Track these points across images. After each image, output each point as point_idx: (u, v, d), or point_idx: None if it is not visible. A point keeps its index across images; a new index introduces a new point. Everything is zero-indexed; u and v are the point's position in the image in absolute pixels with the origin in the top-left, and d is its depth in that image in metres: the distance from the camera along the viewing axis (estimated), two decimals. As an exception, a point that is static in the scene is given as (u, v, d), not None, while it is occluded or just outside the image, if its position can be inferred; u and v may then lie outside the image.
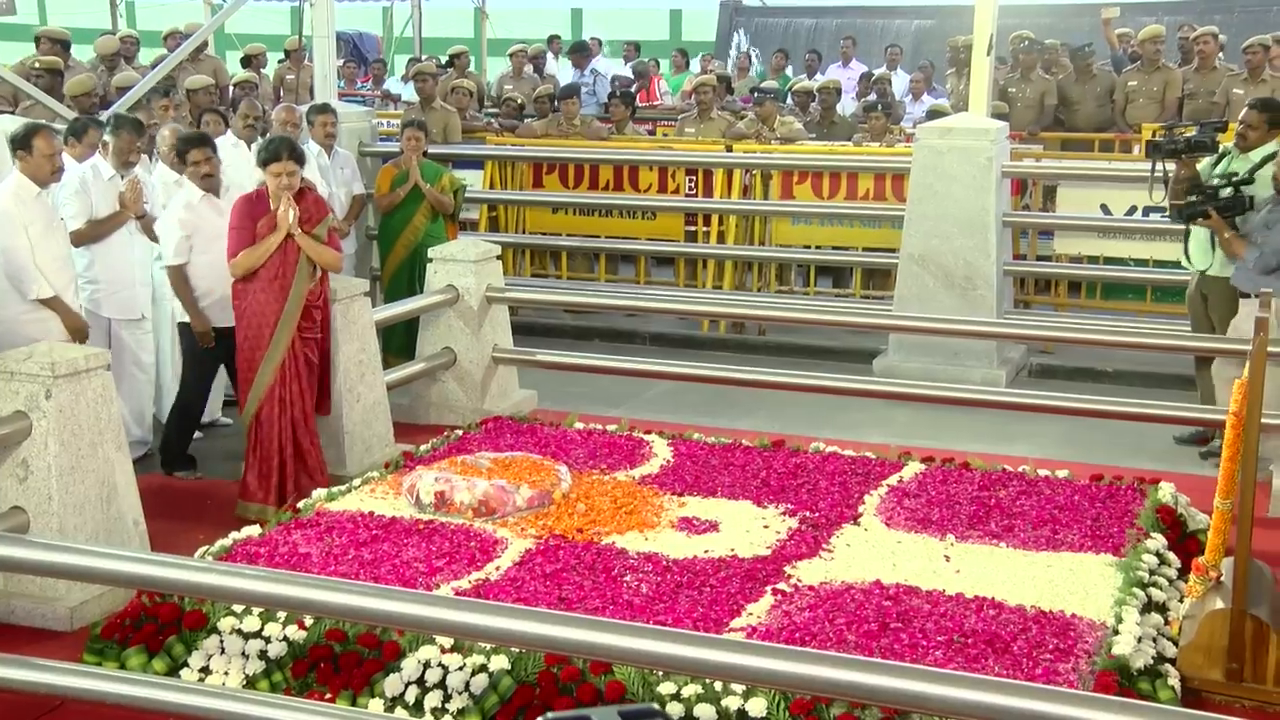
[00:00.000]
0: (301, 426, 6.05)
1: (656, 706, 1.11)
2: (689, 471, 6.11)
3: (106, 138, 6.78)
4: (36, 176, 5.96)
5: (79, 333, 6.07)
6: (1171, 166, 6.97)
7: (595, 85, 14.67)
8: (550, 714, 1.07)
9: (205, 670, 4.43)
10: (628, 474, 6.07)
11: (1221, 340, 6.70)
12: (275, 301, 5.93)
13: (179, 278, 6.35)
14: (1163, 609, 4.70)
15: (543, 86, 12.39)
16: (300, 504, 5.63)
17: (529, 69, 14.23)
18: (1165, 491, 5.72)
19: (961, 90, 11.82)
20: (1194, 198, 6.74)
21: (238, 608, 4.48)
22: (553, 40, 17.67)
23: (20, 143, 5.99)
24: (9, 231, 5.90)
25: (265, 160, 5.96)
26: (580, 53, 15.53)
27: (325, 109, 8.63)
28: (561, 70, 16.02)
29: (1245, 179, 6.72)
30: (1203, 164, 6.97)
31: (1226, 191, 6.69)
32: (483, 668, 4.18)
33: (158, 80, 9.44)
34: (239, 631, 4.46)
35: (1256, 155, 6.78)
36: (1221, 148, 7.04)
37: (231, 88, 10.61)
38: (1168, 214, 7.08)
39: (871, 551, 5.15)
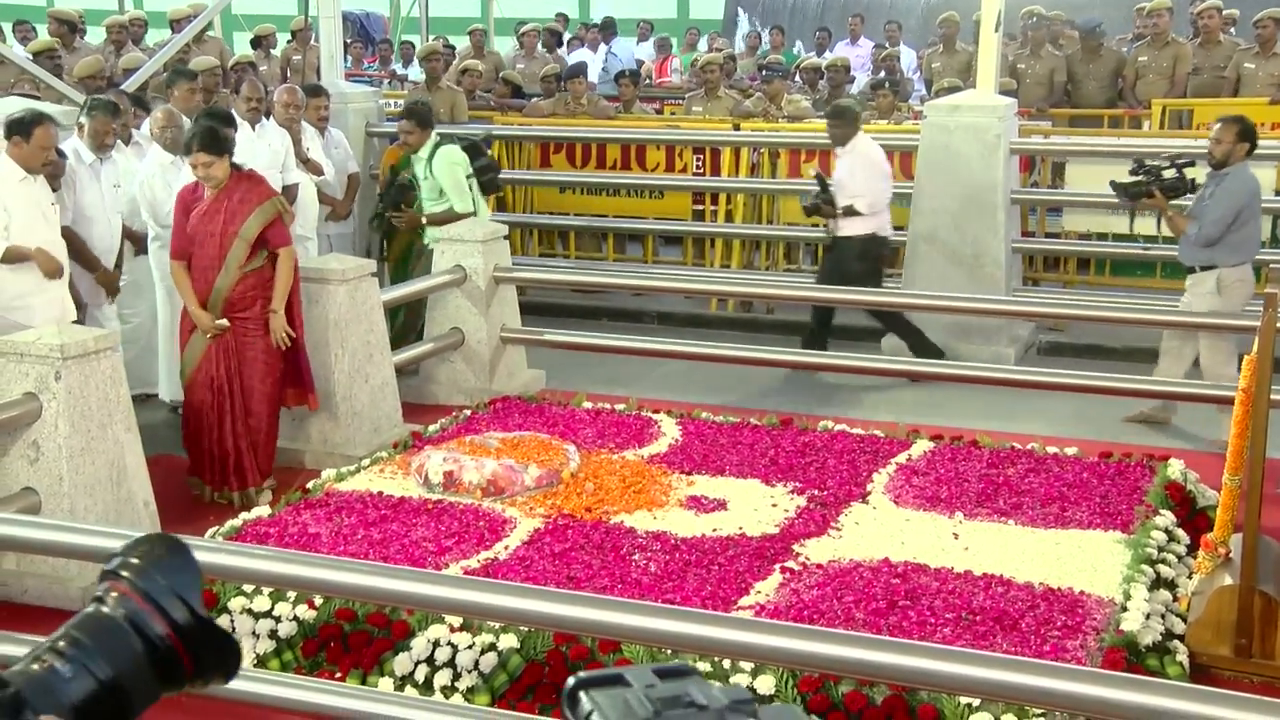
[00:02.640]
0: (241, 421, 5.85)
1: (690, 664, 1.10)
2: (697, 450, 6.11)
3: (82, 119, 6.74)
4: (27, 164, 5.89)
5: (54, 274, 5.99)
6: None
7: (609, 64, 14.74)
8: (582, 673, 1.07)
9: (216, 650, 4.45)
10: (636, 453, 6.08)
11: (1226, 316, 6.68)
12: (203, 292, 5.83)
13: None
14: (1171, 585, 4.70)
15: (549, 66, 12.35)
16: (310, 484, 5.65)
17: (540, 49, 14.20)
18: (1174, 468, 5.71)
19: (938, 69, 11.78)
20: (1140, 177, 6.91)
21: (248, 587, 4.50)
22: (559, 19, 17.60)
23: (19, 129, 5.88)
24: None
25: (184, 153, 5.91)
26: (608, 30, 15.74)
27: (318, 91, 8.55)
28: (575, 50, 16.02)
29: (1188, 161, 6.90)
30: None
31: (1170, 173, 6.85)
32: (492, 646, 4.19)
33: (164, 62, 9.42)
34: (249, 611, 4.48)
35: (425, 153, 7.50)
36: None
37: (230, 69, 10.58)
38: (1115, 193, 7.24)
39: (880, 529, 5.15)
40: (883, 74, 11.99)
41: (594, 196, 10.36)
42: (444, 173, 7.64)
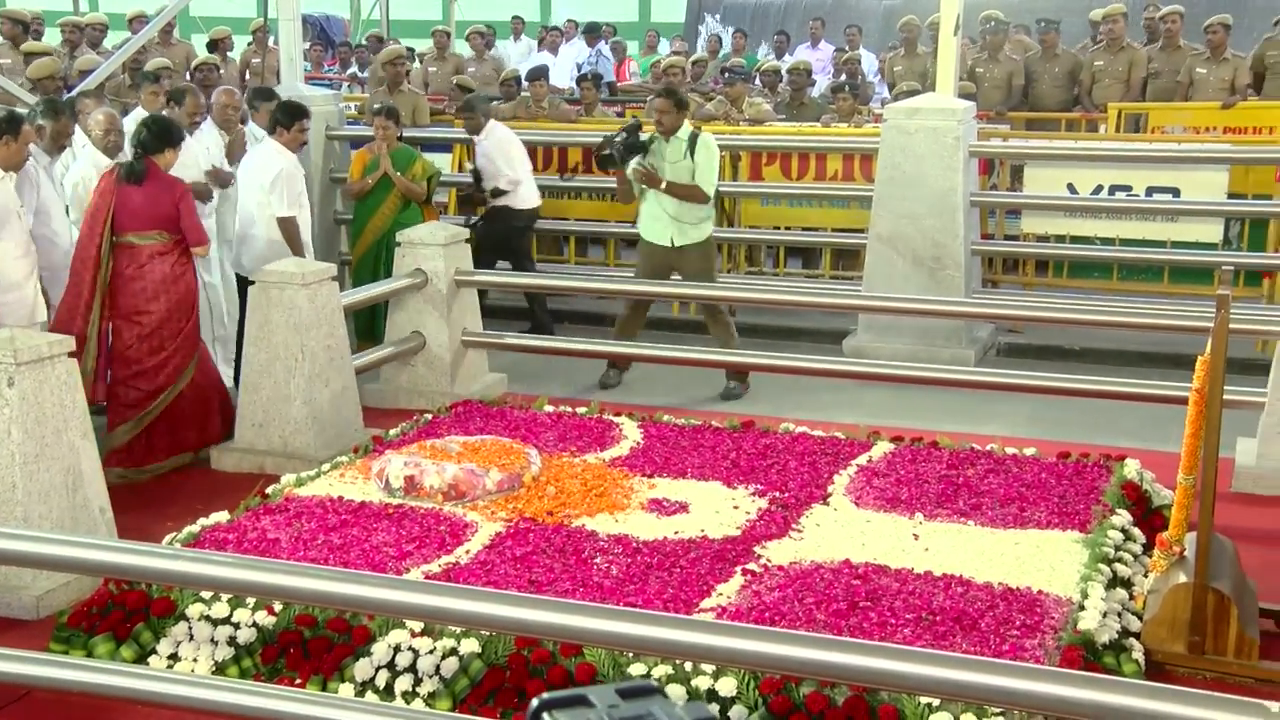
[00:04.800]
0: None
1: (655, 684, 1.09)
2: (659, 453, 6.12)
3: (42, 121, 6.72)
4: (11, 162, 5.91)
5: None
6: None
7: (598, 64, 14.80)
8: (546, 695, 1.06)
9: (174, 657, 4.41)
10: (597, 456, 6.08)
11: (1182, 317, 6.75)
12: None
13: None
14: (1128, 584, 4.75)
15: (509, 69, 12.33)
16: (269, 490, 5.61)
17: (490, 52, 14.20)
18: (1130, 468, 5.77)
19: (900, 72, 11.88)
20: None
21: (206, 594, 4.46)
22: (515, 21, 17.60)
23: (9, 128, 5.90)
24: None
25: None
26: (593, 33, 15.79)
27: (270, 96, 8.53)
28: (519, 52, 16.04)
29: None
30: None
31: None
32: (453, 651, 4.18)
33: (120, 63, 9.34)
34: (208, 618, 4.44)
35: (684, 135, 7.71)
36: (649, 137, 7.81)
37: (194, 71, 10.51)
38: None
39: (841, 531, 5.17)
40: (843, 77, 12.05)
41: (555, 199, 10.34)
42: (705, 158, 7.68)
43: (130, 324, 6.29)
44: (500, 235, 9.01)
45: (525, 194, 9.06)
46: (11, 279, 6.05)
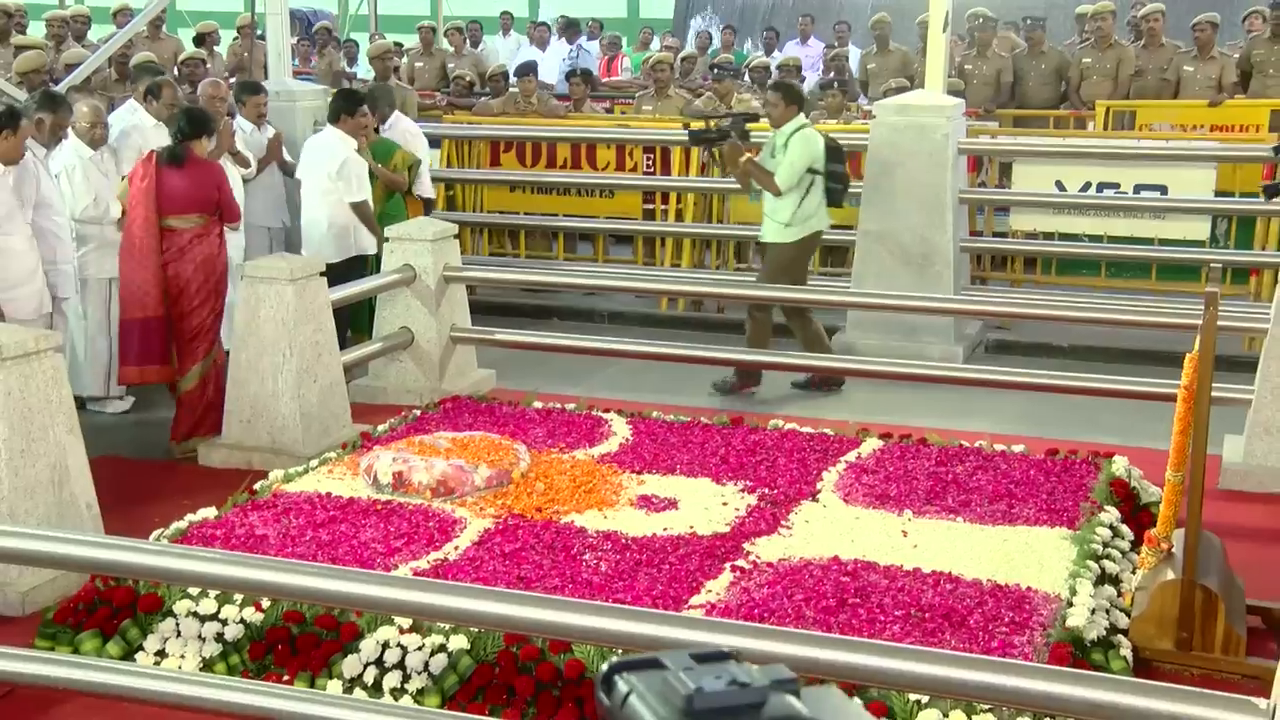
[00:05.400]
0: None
1: (726, 648, 1.09)
2: (648, 449, 6.11)
3: (40, 114, 6.73)
4: (10, 156, 5.98)
5: None
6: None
7: (580, 59, 14.75)
8: (616, 658, 1.06)
9: (161, 654, 4.39)
10: (586, 452, 6.07)
11: (1162, 314, 6.77)
12: None
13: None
14: (1116, 581, 4.76)
15: (497, 65, 12.31)
16: (257, 485, 5.59)
17: (469, 47, 14.17)
18: (1119, 465, 5.78)
19: (874, 69, 11.89)
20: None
21: (194, 590, 4.44)
22: (504, 16, 17.55)
23: (8, 121, 5.99)
24: None
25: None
26: (571, 29, 15.73)
27: (257, 89, 8.56)
28: (508, 47, 16.01)
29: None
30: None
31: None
32: (441, 648, 4.17)
33: (107, 57, 9.30)
34: (195, 614, 4.43)
35: (787, 129, 7.49)
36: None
37: (181, 65, 10.47)
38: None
39: (830, 528, 5.18)
40: (832, 74, 12.05)
41: (544, 195, 10.33)
42: (794, 149, 7.46)
43: (174, 304, 6.54)
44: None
45: (423, 185, 8.91)
46: (19, 274, 6.10)
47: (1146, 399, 6.63)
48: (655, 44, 16.37)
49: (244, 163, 8.06)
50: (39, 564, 4.50)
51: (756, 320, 7.78)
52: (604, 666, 1.06)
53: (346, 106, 7.76)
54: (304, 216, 7.88)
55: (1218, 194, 8.76)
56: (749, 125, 7.89)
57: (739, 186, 8.13)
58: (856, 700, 1.04)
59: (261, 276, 6.33)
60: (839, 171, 7.63)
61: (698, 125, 7.96)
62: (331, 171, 7.62)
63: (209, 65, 11.09)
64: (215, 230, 6.64)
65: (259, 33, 10.16)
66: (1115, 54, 10.79)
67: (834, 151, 7.59)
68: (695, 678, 1.02)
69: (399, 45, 13.17)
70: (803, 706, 1.03)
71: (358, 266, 7.69)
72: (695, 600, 4.50)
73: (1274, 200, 7.33)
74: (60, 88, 8.37)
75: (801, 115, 7.68)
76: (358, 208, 7.67)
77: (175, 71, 10.33)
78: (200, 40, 12.42)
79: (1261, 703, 2.80)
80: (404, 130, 8.91)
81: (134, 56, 9.93)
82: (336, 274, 7.07)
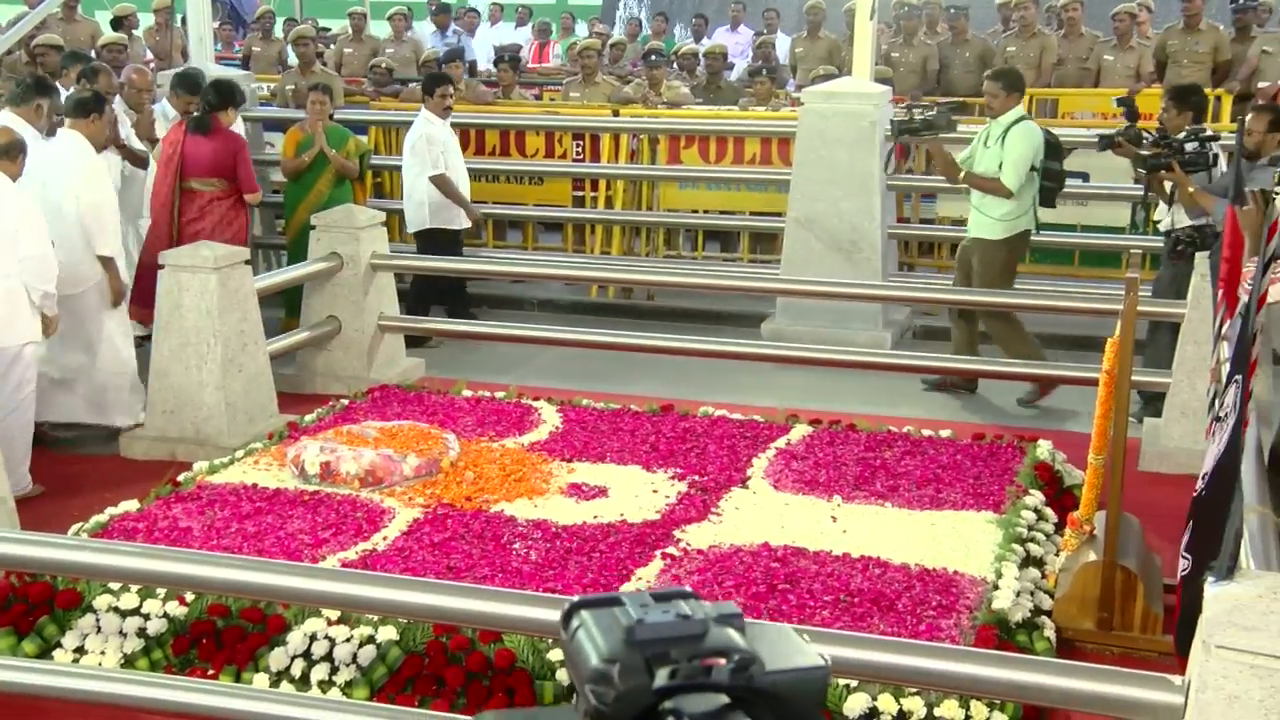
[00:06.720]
0: None
1: (688, 588, 1.12)
2: (578, 437, 6.10)
3: (40, 101, 6.56)
4: (98, 139, 6.37)
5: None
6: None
7: (460, 42, 14.57)
8: (578, 597, 1.08)
9: (80, 650, 4.31)
10: (516, 441, 6.04)
11: (1094, 300, 6.87)
12: None
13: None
14: (1040, 563, 4.83)
15: (428, 51, 12.18)
16: (181, 477, 5.49)
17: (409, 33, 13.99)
18: (1043, 449, 5.87)
19: (801, 54, 11.98)
20: (1160, 149, 6.69)
21: (115, 585, 4.35)
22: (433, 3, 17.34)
23: (94, 104, 6.34)
24: None
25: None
26: (443, 14, 15.47)
27: (195, 87, 8.28)
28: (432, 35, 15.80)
29: (1211, 135, 6.70)
30: (965, 153, 7.29)
31: (1191, 145, 6.61)
32: (370, 639, 4.13)
33: (19, 39, 9.06)
34: (116, 609, 4.34)
35: (1006, 120, 7.03)
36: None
37: (101, 49, 10.22)
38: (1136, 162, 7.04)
39: (760, 514, 5.20)
40: (760, 62, 12.07)
41: (473, 182, 10.21)
42: (1015, 144, 6.97)
43: None
44: None
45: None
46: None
47: (1069, 383, 6.74)
48: (581, 29, 16.28)
49: (141, 163, 7.80)
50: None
51: (1001, 329, 7.21)
52: (567, 604, 1.09)
53: (427, 85, 8.52)
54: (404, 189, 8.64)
55: (1137, 181, 8.89)
56: (954, 117, 7.43)
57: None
58: (801, 637, 1.06)
59: (184, 265, 6.22)
60: (1055, 170, 7.17)
61: (900, 116, 7.47)
62: (408, 149, 8.43)
63: (129, 49, 10.84)
64: (232, 197, 7.45)
65: (179, 16, 9.96)
66: (1038, 43, 10.92)
67: (1053, 148, 7.15)
68: (643, 612, 1.05)
69: (325, 30, 12.98)
70: (741, 639, 1.04)
71: (440, 239, 8.29)
72: (626, 588, 4.48)
73: (1107, 151, 7.22)
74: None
75: (1021, 106, 7.22)
76: (436, 180, 8.23)
77: (93, 56, 10.09)
78: (118, 24, 12.14)
79: (1177, 679, 2.86)
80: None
81: (38, 38, 9.63)
82: (420, 245, 8.33)
